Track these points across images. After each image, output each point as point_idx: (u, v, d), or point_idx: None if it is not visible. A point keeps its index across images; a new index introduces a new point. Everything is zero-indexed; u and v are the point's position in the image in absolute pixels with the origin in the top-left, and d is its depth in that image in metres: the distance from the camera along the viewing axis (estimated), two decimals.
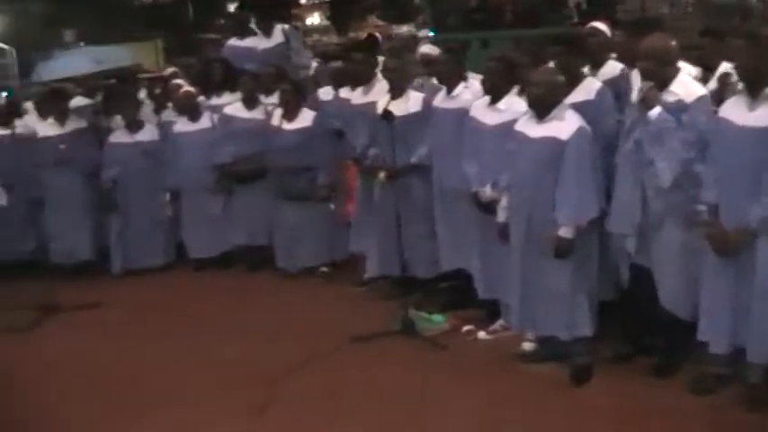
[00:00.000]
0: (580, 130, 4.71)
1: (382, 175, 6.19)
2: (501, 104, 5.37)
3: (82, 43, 20.62)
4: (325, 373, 5.24)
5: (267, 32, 8.36)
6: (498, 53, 5.64)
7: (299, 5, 23.36)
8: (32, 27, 19.12)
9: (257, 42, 8.36)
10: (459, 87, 5.88)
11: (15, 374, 5.55)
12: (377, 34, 9.89)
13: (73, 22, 20.46)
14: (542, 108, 4.81)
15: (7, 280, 7.52)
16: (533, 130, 4.86)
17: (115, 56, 9.34)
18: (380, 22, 22.71)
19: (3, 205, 7.43)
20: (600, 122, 4.91)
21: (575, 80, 5.08)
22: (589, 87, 5.12)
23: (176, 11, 20.24)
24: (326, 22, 23.16)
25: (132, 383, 5.31)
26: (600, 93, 5.08)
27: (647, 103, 4.44)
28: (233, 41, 8.56)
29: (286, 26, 8.58)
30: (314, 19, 24.44)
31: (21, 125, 7.91)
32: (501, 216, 5.14)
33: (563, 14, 14.06)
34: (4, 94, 9.17)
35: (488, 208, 5.37)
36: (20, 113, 8.16)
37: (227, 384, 5.14)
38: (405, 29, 23.40)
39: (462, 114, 5.66)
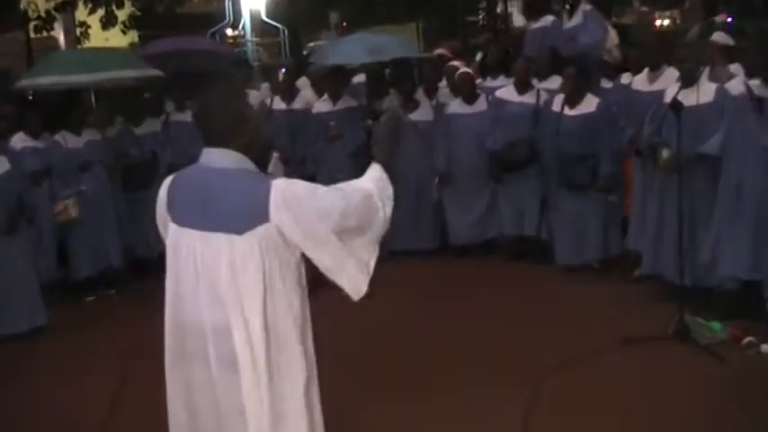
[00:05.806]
0: None
1: (666, 152, 5.74)
2: None
3: (344, 23, 21.50)
4: (593, 373, 5.05)
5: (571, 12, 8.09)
6: None
7: None
8: (302, 8, 20.16)
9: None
10: None
11: None
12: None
13: (338, 5, 21.36)
14: None
15: None
16: None
17: (399, 45, 9.17)
18: (645, 8, 21.81)
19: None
20: None
21: None
22: None
23: None
24: None
25: (403, 366, 5.35)
26: None
27: None
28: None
29: (588, 7, 8.04)
30: None
31: (298, 100, 8.24)
32: None
33: None
34: (283, 70, 9.52)
35: None
36: (298, 89, 8.47)
37: (497, 375, 5.08)
38: (668, 14, 22.42)
39: None
